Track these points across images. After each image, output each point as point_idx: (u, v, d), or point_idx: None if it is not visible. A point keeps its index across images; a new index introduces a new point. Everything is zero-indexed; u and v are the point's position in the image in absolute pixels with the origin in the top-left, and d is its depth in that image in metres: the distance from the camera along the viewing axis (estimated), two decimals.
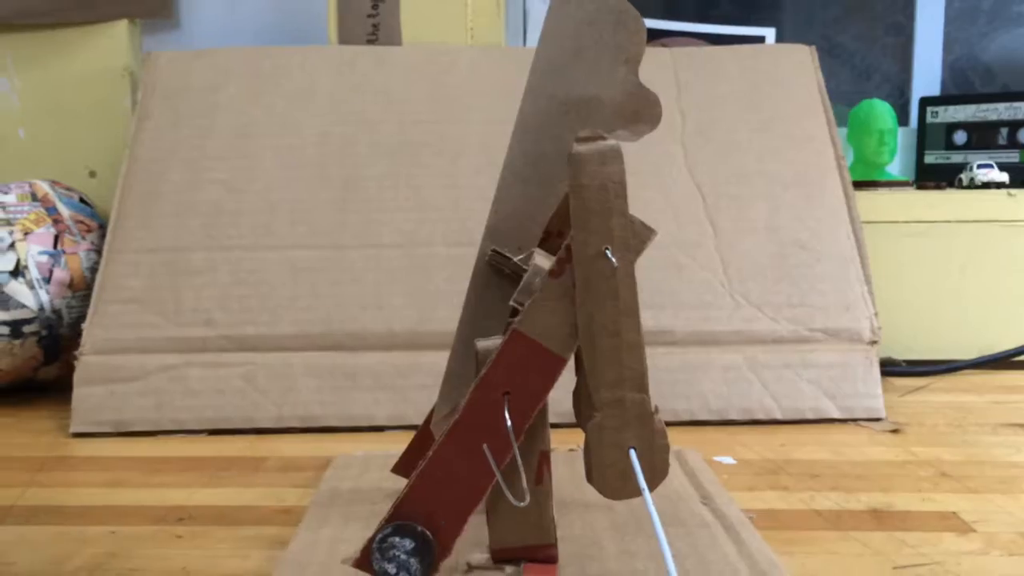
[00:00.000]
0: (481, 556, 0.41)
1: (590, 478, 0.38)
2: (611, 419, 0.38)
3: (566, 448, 0.59)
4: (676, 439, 0.64)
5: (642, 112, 0.43)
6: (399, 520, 0.37)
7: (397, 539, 0.37)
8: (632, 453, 0.38)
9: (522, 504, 0.38)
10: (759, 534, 0.45)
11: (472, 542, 0.41)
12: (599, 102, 0.43)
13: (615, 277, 0.37)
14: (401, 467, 0.50)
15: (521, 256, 0.43)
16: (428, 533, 0.37)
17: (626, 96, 0.43)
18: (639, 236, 0.38)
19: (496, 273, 0.44)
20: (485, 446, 0.37)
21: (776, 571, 0.40)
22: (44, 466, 0.62)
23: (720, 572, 0.40)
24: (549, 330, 0.38)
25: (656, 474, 0.38)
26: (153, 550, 0.46)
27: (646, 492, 0.37)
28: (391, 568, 0.37)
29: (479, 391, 0.38)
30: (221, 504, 0.53)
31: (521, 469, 0.38)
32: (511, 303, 0.40)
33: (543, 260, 0.40)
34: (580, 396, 0.40)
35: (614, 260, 0.37)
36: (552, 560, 0.40)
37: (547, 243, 0.43)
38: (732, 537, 0.44)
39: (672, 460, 0.57)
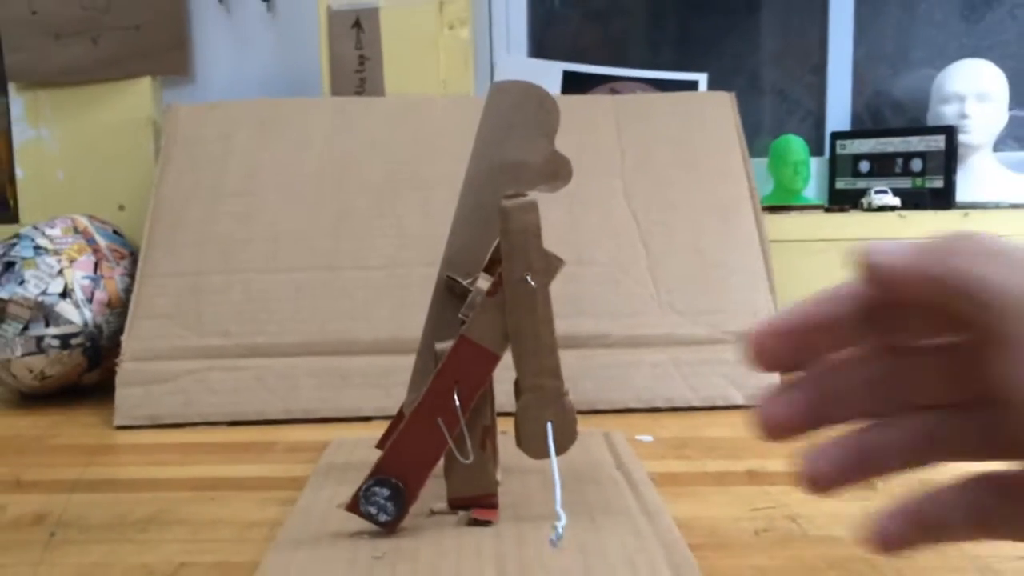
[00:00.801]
0: (441, 505, 0.51)
1: (519, 444, 0.49)
2: (533, 400, 0.48)
3: (502, 431, 0.69)
4: (609, 423, 0.74)
5: (559, 171, 0.54)
6: (379, 475, 0.48)
7: (377, 488, 0.47)
8: (548, 425, 0.48)
9: (467, 462, 0.48)
10: (656, 490, 0.55)
11: (434, 495, 0.52)
12: (526, 165, 0.53)
13: (534, 295, 0.48)
14: (382, 443, 0.60)
15: (469, 280, 0.53)
16: (400, 484, 0.47)
17: (545, 160, 0.53)
18: (553, 266, 0.49)
19: (451, 293, 0.54)
20: (440, 420, 0.48)
21: (661, 513, 0.51)
22: (97, 451, 0.71)
23: (619, 515, 0.51)
24: (487, 335, 0.48)
25: (567, 440, 0.49)
26: (192, 507, 0.55)
27: (553, 455, 0.47)
28: (373, 509, 0.47)
29: (436, 380, 0.48)
30: (242, 476, 0.62)
31: (467, 436, 0.48)
32: (459, 315, 0.51)
33: (484, 283, 0.51)
34: (516, 385, 0.50)
35: (533, 283, 0.48)
36: (494, 506, 0.51)
37: (490, 269, 0.52)
38: (634, 492, 0.55)
39: (600, 438, 0.68)
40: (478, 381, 0.48)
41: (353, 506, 0.47)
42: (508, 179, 0.53)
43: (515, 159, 0.53)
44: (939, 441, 0.30)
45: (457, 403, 0.48)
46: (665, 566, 0.43)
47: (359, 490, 0.47)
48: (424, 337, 0.54)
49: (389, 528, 0.47)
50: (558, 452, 0.47)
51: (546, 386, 0.48)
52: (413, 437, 0.48)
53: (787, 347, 0.29)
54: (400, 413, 0.58)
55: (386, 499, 0.47)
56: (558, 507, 0.43)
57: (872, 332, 0.29)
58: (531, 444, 0.48)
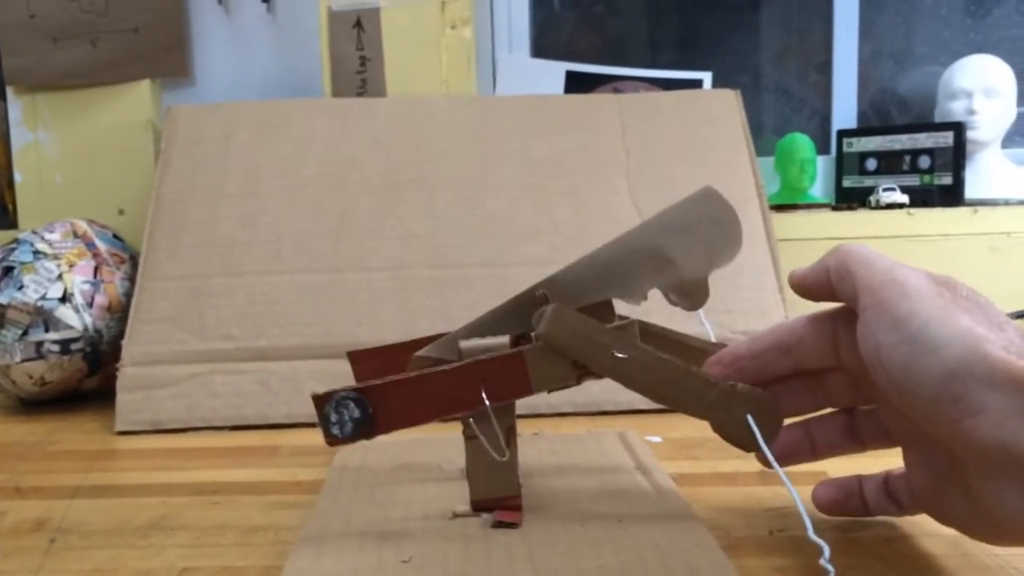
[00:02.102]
0: (464, 507, 0.50)
1: (735, 444, 0.47)
2: (717, 416, 0.46)
3: (530, 432, 0.69)
4: (621, 424, 0.74)
5: (694, 295, 0.52)
6: (364, 395, 0.46)
7: (352, 404, 0.46)
8: (749, 418, 0.46)
9: (504, 459, 0.47)
10: (677, 490, 0.54)
11: (457, 499, 0.51)
12: (676, 268, 0.51)
13: (635, 363, 0.46)
14: (356, 356, 0.57)
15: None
16: (375, 417, 0.46)
17: (689, 282, 0.52)
18: (628, 331, 0.48)
19: (531, 307, 0.50)
20: (450, 397, 0.46)
21: (688, 513, 0.50)
22: (98, 457, 0.70)
23: (646, 515, 0.49)
24: (540, 371, 0.47)
25: (772, 429, 0.46)
26: (196, 512, 0.55)
27: (766, 450, 0.45)
28: (333, 416, 0.46)
29: (468, 366, 0.47)
30: (247, 480, 0.62)
31: (499, 434, 0.47)
32: (533, 334, 0.49)
33: None
34: None
35: (623, 355, 0.46)
36: (518, 507, 0.49)
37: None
38: (657, 492, 0.54)
39: (615, 438, 0.67)
40: (501, 397, 0.47)
41: (321, 400, 0.46)
42: (652, 266, 0.51)
43: (672, 257, 0.51)
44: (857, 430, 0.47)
45: (487, 402, 0.46)
46: (703, 567, 0.42)
47: (337, 391, 0.46)
48: (480, 321, 0.51)
49: (329, 442, 0.46)
50: (769, 441, 0.46)
51: (713, 400, 0.46)
52: (416, 392, 0.46)
53: (750, 366, 0.46)
54: (401, 347, 0.55)
55: (351, 419, 0.46)
56: (812, 535, 0.40)
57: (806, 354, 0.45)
58: (743, 440, 0.46)
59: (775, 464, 0.45)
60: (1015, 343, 0.36)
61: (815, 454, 0.48)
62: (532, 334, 0.48)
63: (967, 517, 0.40)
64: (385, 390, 0.46)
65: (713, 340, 0.56)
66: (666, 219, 0.53)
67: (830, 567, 0.38)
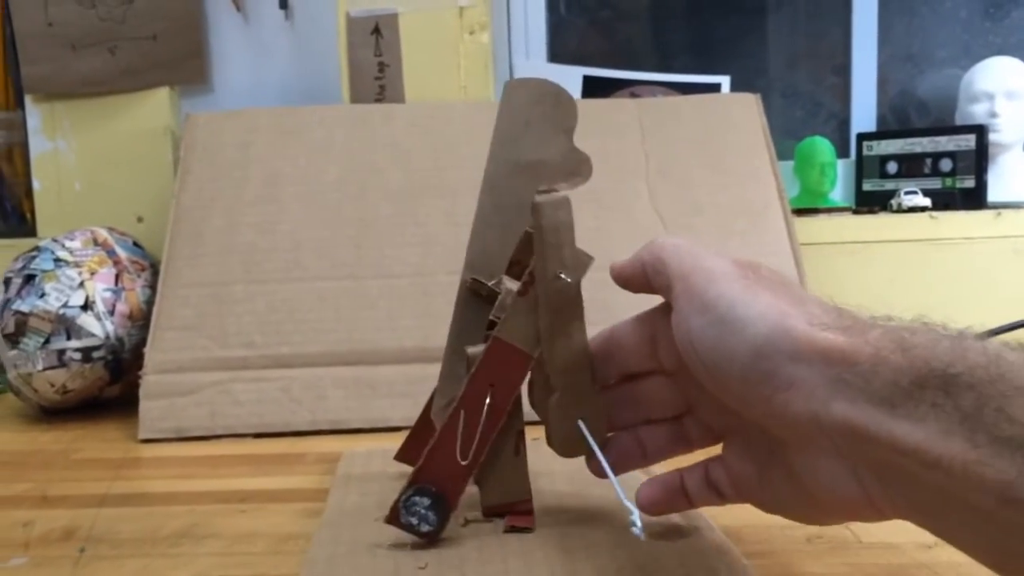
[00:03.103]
0: (475, 513, 0.50)
1: (550, 443, 0.48)
2: (565, 397, 0.47)
3: (531, 439, 0.68)
4: None
5: (579, 168, 0.52)
6: (418, 484, 0.47)
7: (417, 498, 0.46)
8: (581, 423, 0.47)
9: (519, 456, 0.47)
10: None
11: (467, 505, 0.51)
12: (544, 163, 0.52)
13: (568, 292, 0.47)
14: (402, 453, 0.58)
15: (493, 282, 0.52)
16: (440, 493, 0.46)
17: (564, 158, 0.52)
18: (583, 262, 0.48)
19: (474, 295, 0.53)
20: (477, 425, 0.47)
21: (700, 515, 0.50)
22: (123, 465, 0.70)
23: (659, 519, 0.49)
24: (520, 335, 0.47)
25: (598, 435, 0.47)
26: (225, 520, 0.54)
27: (596, 448, 0.46)
28: (414, 520, 0.46)
29: (471, 384, 0.47)
30: (273, 488, 0.62)
31: (504, 442, 0.47)
32: (490, 317, 0.50)
33: (511, 284, 0.50)
34: (534, 386, 0.49)
35: (567, 279, 0.47)
36: (529, 512, 0.49)
37: (511, 270, 0.51)
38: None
39: None
40: (514, 383, 0.47)
41: (393, 518, 0.46)
42: (527, 178, 0.52)
43: (533, 158, 0.52)
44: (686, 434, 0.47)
45: (491, 404, 0.47)
46: (722, 570, 0.42)
47: (398, 501, 0.46)
48: (449, 342, 0.53)
49: (430, 538, 0.46)
50: (591, 449, 0.46)
51: (578, 382, 0.47)
52: (451, 444, 0.47)
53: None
54: (420, 420, 0.57)
55: (427, 508, 0.46)
56: (624, 500, 0.42)
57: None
58: (564, 443, 0.47)
59: (608, 469, 0.45)
60: (817, 315, 0.36)
61: (647, 459, 0.48)
62: (491, 317, 0.49)
63: (792, 500, 0.40)
64: (430, 464, 0.47)
65: None
66: (502, 134, 0.53)
67: (638, 528, 0.40)
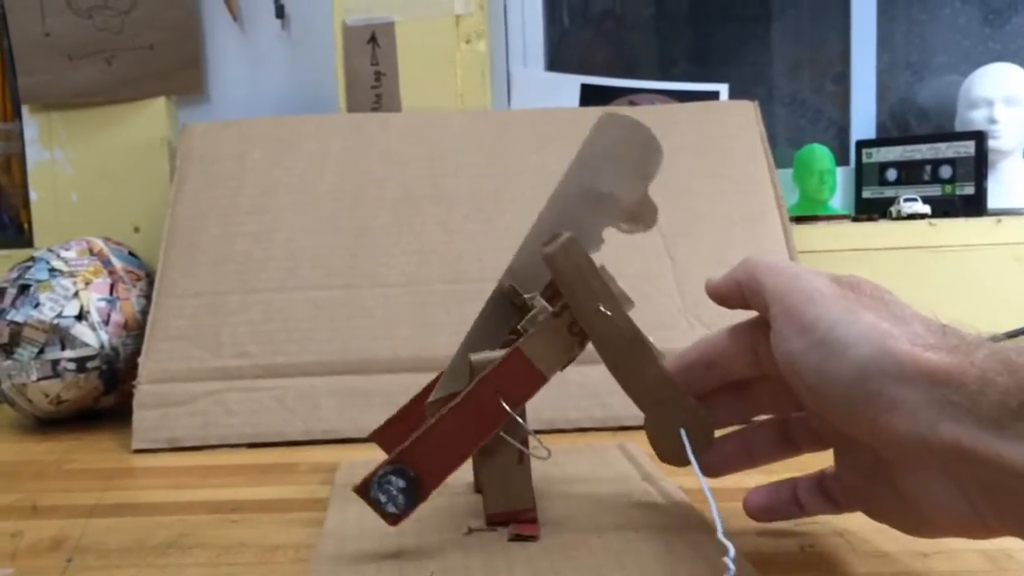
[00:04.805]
0: (478, 522, 0.50)
1: (662, 459, 0.48)
2: (655, 416, 0.47)
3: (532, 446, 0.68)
4: (639, 439, 0.72)
5: (643, 216, 0.53)
6: (398, 463, 0.46)
7: (393, 477, 0.46)
8: (682, 432, 0.47)
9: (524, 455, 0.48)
10: (689, 499, 0.54)
11: (471, 513, 0.51)
12: (615, 199, 0.52)
13: (614, 322, 0.46)
14: (379, 434, 0.57)
15: (529, 296, 0.52)
16: (418, 478, 0.46)
17: (635, 201, 0.52)
18: (616, 293, 0.48)
19: (507, 301, 0.53)
20: (473, 425, 0.46)
21: (703, 524, 0.49)
22: (115, 475, 0.70)
23: (663, 527, 0.49)
24: (543, 356, 0.47)
25: (703, 443, 0.47)
26: (215, 531, 0.54)
27: (695, 462, 0.46)
28: (383, 497, 0.46)
29: (480, 385, 0.47)
30: (265, 498, 0.61)
31: (506, 450, 0.47)
32: (519, 327, 0.49)
33: (545, 303, 0.49)
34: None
35: (608, 312, 0.46)
36: (533, 520, 0.49)
37: (546, 292, 0.51)
38: (669, 503, 0.54)
39: (616, 451, 0.67)
40: (520, 397, 0.47)
41: (363, 489, 0.46)
42: (595, 206, 0.52)
43: (606, 190, 0.52)
44: (791, 436, 0.47)
45: (507, 409, 0.46)
46: None
47: (373, 473, 0.46)
48: (468, 337, 0.52)
49: (392, 522, 0.46)
50: (699, 454, 0.46)
51: (663, 398, 0.47)
52: (443, 435, 0.46)
53: (678, 381, 0.46)
54: (409, 406, 0.56)
55: (399, 490, 0.45)
56: (721, 536, 0.40)
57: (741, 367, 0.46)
58: (674, 456, 0.47)
59: (702, 480, 0.45)
60: (920, 335, 0.36)
61: (753, 462, 0.49)
62: (520, 327, 0.48)
63: (898, 513, 0.40)
64: (416, 448, 0.46)
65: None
66: (583, 160, 0.53)
67: (732, 566, 0.38)
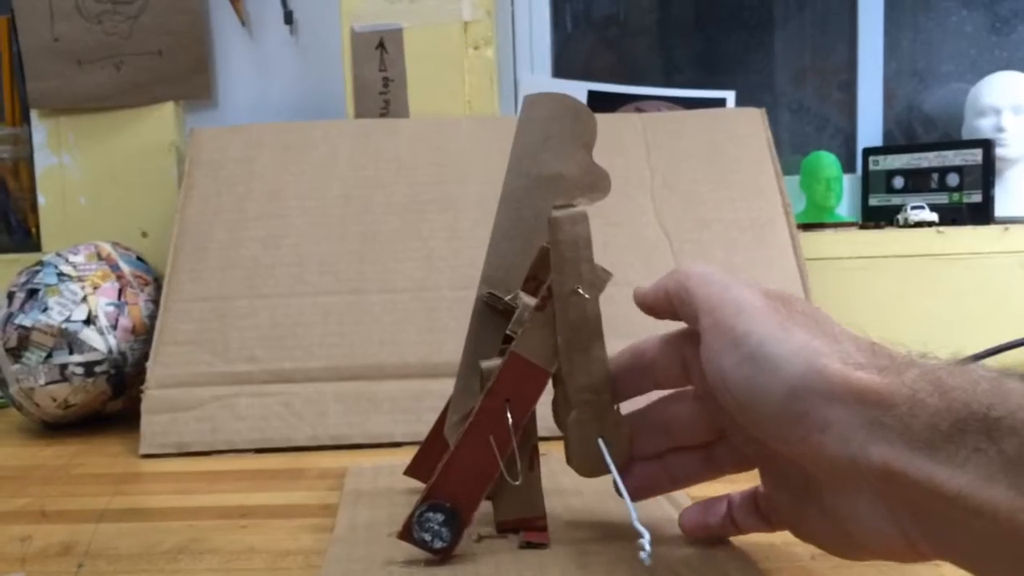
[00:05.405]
0: (489, 529, 0.50)
1: (569, 462, 0.48)
2: (584, 415, 0.47)
3: (540, 453, 0.68)
4: None
5: (597, 183, 0.53)
6: (431, 500, 0.46)
7: (431, 514, 0.46)
8: (601, 441, 0.47)
9: (516, 483, 0.47)
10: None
11: (481, 521, 0.50)
12: (563, 177, 0.52)
13: (585, 308, 0.47)
14: (412, 469, 0.58)
15: (510, 296, 0.52)
16: (454, 509, 0.46)
17: (583, 172, 0.52)
18: (602, 278, 0.48)
19: (491, 310, 0.53)
20: (491, 440, 0.46)
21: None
22: (123, 480, 0.70)
23: (669, 532, 0.49)
24: (537, 350, 0.47)
25: (620, 456, 0.47)
26: (224, 536, 0.54)
27: (614, 469, 0.46)
28: (427, 536, 0.46)
29: (487, 399, 0.47)
30: (273, 504, 0.61)
31: (518, 457, 0.47)
32: (507, 332, 0.50)
33: (528, 299, 0.50)
34: (558, 403, 0.49)
35: (585, 295, 0.46)
36: (543, 528, 0.49)
37: (527, 286, 0.51)
38: (676, 508, 0.53)
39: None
40: (530, 398, 0.47)
41: (406, 534, 0.46)
42: (546, 192, 0.52)
43: (552, 171, 0.52)
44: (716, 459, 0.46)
45: (510, 421, 0.46)
46: None
47: (411, 516, 0.46)
48: (465, 356, 0.53)
49: (443, 555, 0.46)
50: (618, 467, 0.46)
51: (597, 400, 0.47)
52: (466, 460, 0.46)
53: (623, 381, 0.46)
54: (432, 436, 0.57)
55: (440, 524, 0.46)
56: (637, 525, 0.41)
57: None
58: (584, 462, 0.47)
59: (623, 490, 0.44)
60: (851, 354, 0.36)
61: (674, 485, 0.48)
62: (508, 332, 0.48)
63: (827, 534, 0.40)
64: (445, 480, 0.46)
65: None
66: (520, 149, 0.53)
67: (647, 547, 0.39)
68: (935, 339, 1.06)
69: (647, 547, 0.40)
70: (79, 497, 0.65)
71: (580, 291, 0.46)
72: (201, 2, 1.13)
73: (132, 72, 1.11)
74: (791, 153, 1.39)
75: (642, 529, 0.41)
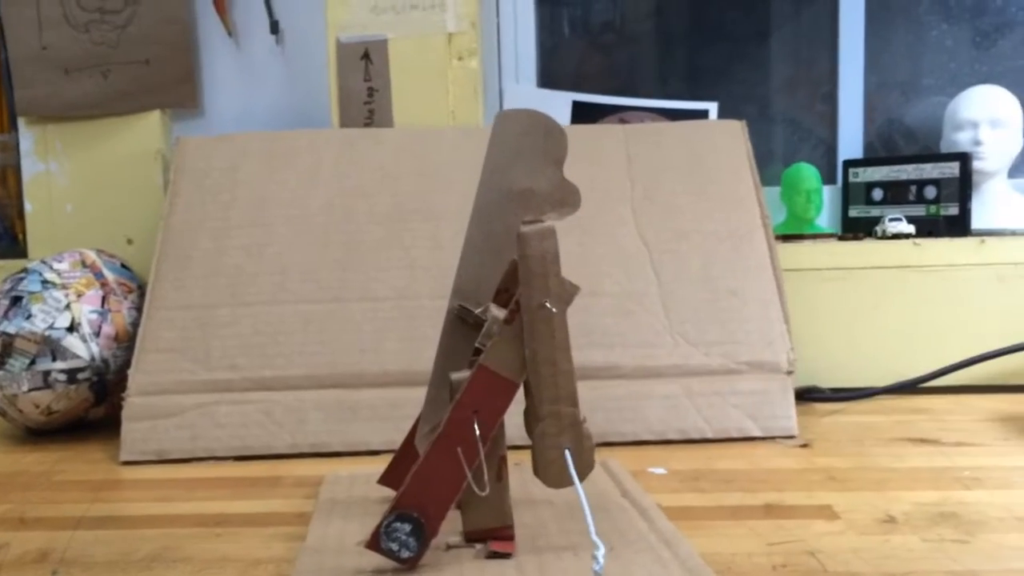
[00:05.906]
0: (457, 538, 0.50)
1: (536, 472, 0.48)
2: (551, 427, 0.48)
3: (513, 463, 0.69)
4: (621, 456, 0.73)
5: (567, 198, 0.53)
6: (399, 510, 0.47)
7: (398, 524, 0.46)
8: (567, 453, 0.48)
9: (483, 493, 0.48)
10: (666, 517, 0.54)
11: (449, 530, 0.51)
12: (534, 192, 0.53)
13: (552, 321, 0.47)
14: (386, 478, 0.59)
15: (480, 309, 0.53)
16: (421, 519, 0.47)
17: (553, 187, 0.53)
18: (569, 292, 0.48)
19: (461, 322, 0.54)
20: (459, 451, 0.47)
21: (679, 540, 0.50)
22: (102, 487, 0.70)
23: (636, 543, 0.50)
24: (505, 363, 0.48)
25: (584, 468, 0.48)
26: (198, 544, 0.55)
27: (577, 481, 0.47)
28: (395, 546, 0.46)
29: (456, 411, 0.47)
30: (249, 512, 0.62)
31: (484, 468, 0.48)
32: (476, 344, 0.50)
33: (497, 311, 0.50)
34: (528, 413, 0.50)
35: (553, 309, 0.47)
36: (511, 537, 0.50)
37: (499, 298, 0.52)
38: (646, 520, 0.54)
39: (600, 467, 0.67)
40: (498, 410, 0.48)
41: (374, 543, 0.47)
42: (517, 207, 0.52)
43: (523, 187, 0.53)
44: None
45: (477, 433, 0.47)
46: None
47: (379, 526, 0.46)
48: (436, 368, 0.54)
49: (410, 564, 0.47)
50: (579, 480, 0.47)
51: (563, 413, 0.47)
52: (433, 469, 0.47)
53: None
54: (404, 445, 0.57)
55: (407, 535, 0.46)
56: (594, 536, 0.43)
57: None
58: (549, 473, 0.48)
59: (584, 501, 0.45)
60: None
61: None
62: (477, 344, 0.49)
63: None
64: (413, 490, 0.47)
65: None
66: (492, 164, 0.55)
67: (601, 560, 0.40)
68: (912, 348, 1.06)
69: (600, 560, 0.40)
70: (58, 504, 0.66)
71: (548, 305, 0.47)
72: (188, 12, 1.14)
73: (119, 81, 1.11)
74: (772, 164, 1.40)
75: (598, 541, 0.42)
